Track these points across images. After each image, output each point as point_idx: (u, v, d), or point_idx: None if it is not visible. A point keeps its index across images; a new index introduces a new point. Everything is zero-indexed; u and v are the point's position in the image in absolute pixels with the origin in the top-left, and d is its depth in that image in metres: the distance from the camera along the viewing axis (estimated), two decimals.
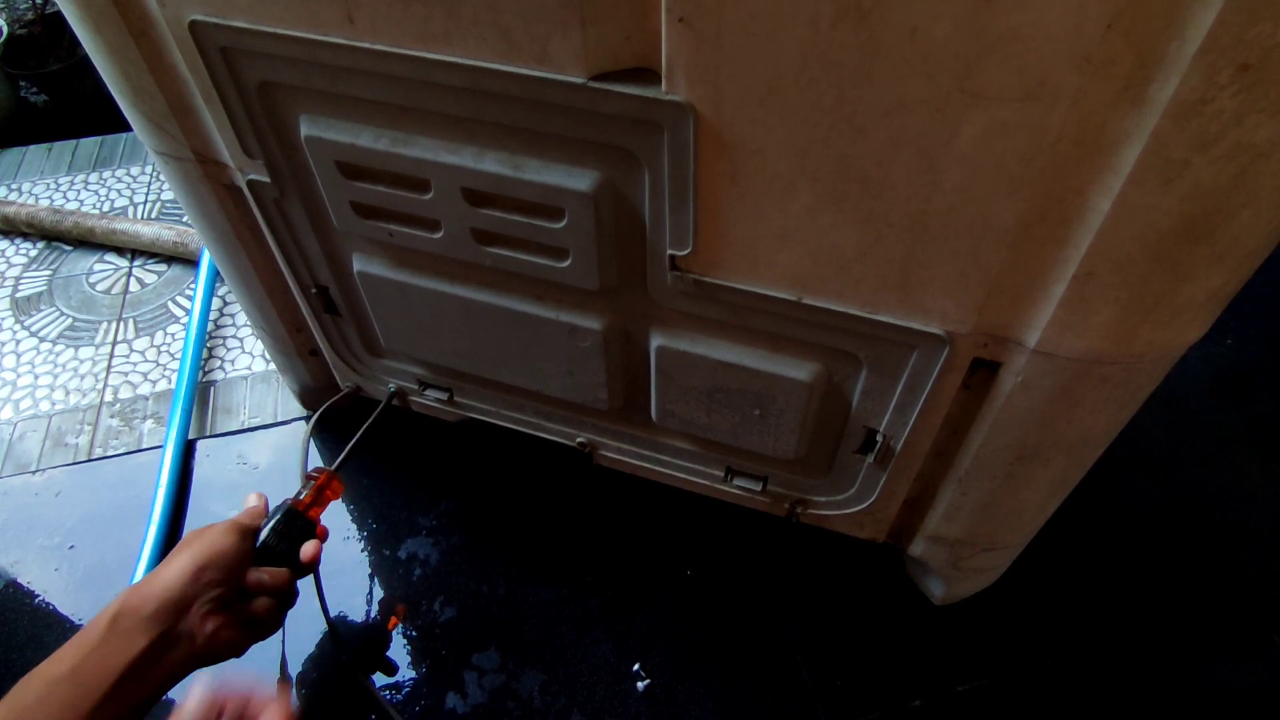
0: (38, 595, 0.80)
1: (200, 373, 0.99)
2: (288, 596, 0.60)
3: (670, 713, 0.72)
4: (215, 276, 1.06)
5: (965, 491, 0.61)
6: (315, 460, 0.91)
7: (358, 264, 0.64)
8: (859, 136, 0.40)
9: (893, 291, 0.48)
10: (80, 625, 0.78)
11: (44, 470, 0.91)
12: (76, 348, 1.03)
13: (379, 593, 0.80)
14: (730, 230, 0.48)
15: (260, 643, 0.58)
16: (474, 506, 0.87)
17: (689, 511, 0.84)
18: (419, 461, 0.91)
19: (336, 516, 0.86)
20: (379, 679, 0.74)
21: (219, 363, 1.01)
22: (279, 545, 0.61)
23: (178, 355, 1.01)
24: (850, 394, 0.58)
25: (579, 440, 0.75)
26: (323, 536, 0.65)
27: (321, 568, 0.66)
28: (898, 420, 0.57)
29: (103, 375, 1.00)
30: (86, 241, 1.16)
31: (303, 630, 0.75)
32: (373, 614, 0.78)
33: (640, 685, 0.74)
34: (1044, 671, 0.75)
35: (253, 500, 0.64)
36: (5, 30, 1.33)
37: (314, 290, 0.69)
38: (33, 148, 1.32)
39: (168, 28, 0.50)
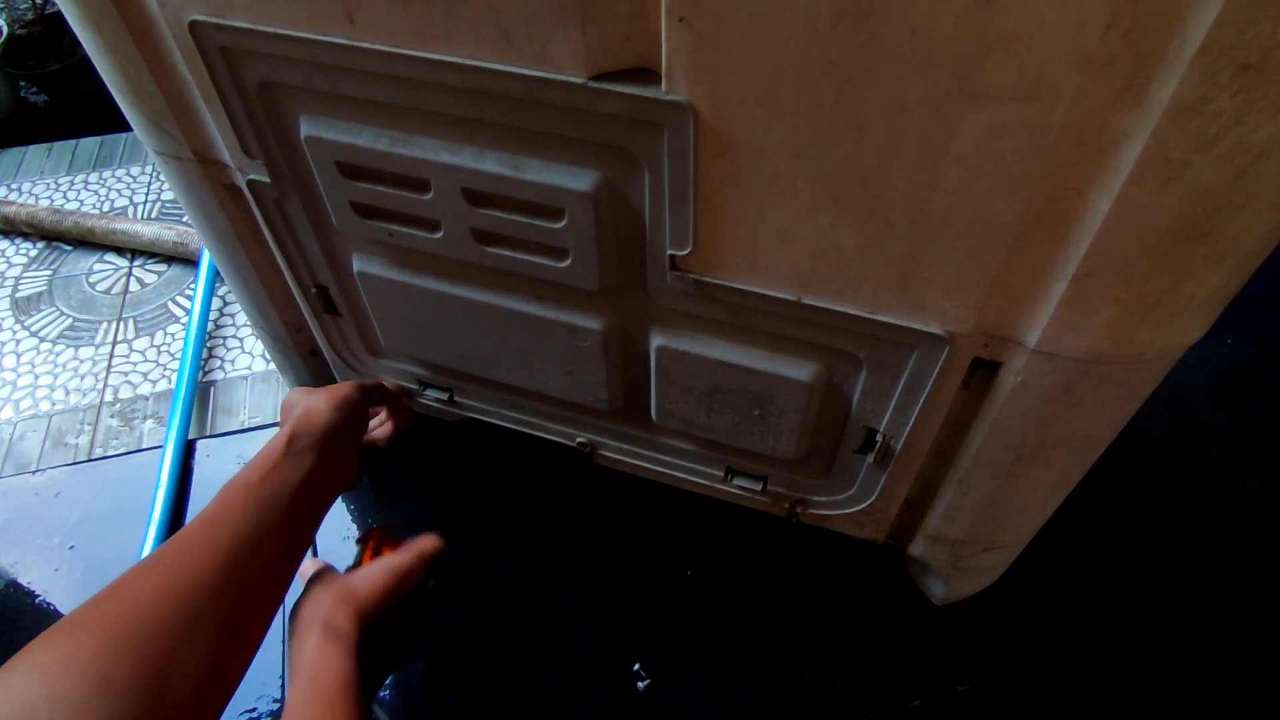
0: (38, 595, 0.80)
1: (200, 373, 0.99)
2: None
3: (670, 713, 0.72)
4: (215, 276, 1.06)
5: (965, 491, 0.61)
6: None
7: (358, 264, 0.64)
8: (859, 136, 0.40)
9: (893, 291, 0.48)
10: None
11: (44, 470, 0.91)
12: (76, 348, 1.04)
13: None
14: (730, 230, 0.48)
15: None
16: (474, 506, 0.87)
17: (689, 511, 0.84)
18: (419, 461, 0.91)
19: (337, 517, 0.86)
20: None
21: (219, 363, 1.01)
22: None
23: (178, 355, 1.01)
24: (850, 394, 0.58)
25: (579, 440, 0.75)
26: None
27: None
28: (898, 420, 0.57)
29: (103, 375, 1.00)
30: (86, 241, 1.16)
31: None
32: None
33: (640, 685, 0.74)
34: (1044, 671, 0.75)
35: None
36: (5, 30, 1.33)
37: (314, 290, 0.69)
38: (33, 148, 1.32)
39: (168, 28, 0.50)
